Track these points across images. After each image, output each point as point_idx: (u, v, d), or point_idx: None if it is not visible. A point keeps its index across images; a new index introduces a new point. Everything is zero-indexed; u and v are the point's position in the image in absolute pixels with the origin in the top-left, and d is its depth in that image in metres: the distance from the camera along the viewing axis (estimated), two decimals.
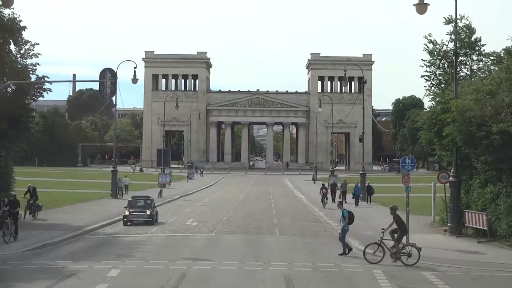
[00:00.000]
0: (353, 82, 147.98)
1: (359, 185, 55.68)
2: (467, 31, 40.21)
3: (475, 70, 40.84)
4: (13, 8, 35.77)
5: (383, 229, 25.19)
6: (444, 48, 40.62)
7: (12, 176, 40.09)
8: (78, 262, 24.40)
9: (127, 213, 38.32)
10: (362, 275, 22.39)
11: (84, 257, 25.78)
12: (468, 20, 40.26)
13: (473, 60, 40.81)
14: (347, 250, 26.75)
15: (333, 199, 55.15)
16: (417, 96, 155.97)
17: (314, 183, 72.60)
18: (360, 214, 44.53)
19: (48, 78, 40.80)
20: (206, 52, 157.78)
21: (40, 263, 24.04)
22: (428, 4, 27.81)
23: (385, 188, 71.46)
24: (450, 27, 37.37)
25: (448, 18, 38.37)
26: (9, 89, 37.48)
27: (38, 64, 39.24)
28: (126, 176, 67.04)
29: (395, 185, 68.57)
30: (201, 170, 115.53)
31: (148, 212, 38.46)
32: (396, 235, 24.89)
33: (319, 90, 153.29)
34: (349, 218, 27.34)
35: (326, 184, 57.07)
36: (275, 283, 20.70)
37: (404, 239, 25.53)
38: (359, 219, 40.91)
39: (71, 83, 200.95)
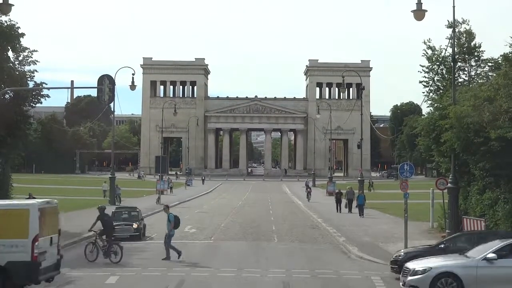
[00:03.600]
0: (351, 89, 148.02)
1: (361, 192, 52.25)
2: (466, 36, 40.07)
3: (473, 76, 40.78)
4: (9, 16, 35.94)
5: (93, 230, 27.19)
6: (443, 53, 40.55)
7: (10, 183, 40.00)
8: (76, 269, 24.33)
9: None
10: (360, 282, 22.38)
11: (81, 264, 25.70)
12: (469, 25, 40.13)
13: (471, 66, 40.73)
14: (171, 254, 26.96)
15: (338, 209, 52.57)
16: (415, 102, 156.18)
17: (306, 189, 73.21)
18: (360, 222, 44.61)
19: (46, 84, 40.78)
20: (204, 59, 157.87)
21: None
22: (426, 11, 27.88)
23: (383, 195, 71.52)
24: (450, 31, 37.00)
25: (451, 21, 37.99)
26: (7, 96, 37.47)
27: (36, 70, 39.27)
28: (106, 182, 67.91)
29: (393, 192, 68.57)
30: (203, 177, 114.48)
31: (134, 225, 34.13)
32: (104, 236, 26.82)
33: (317, 96, 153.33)
34: (174, 222, 27.90)
35: (310, 184, 79.15)
36: None
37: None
38: (358, 226, 41.05)
39: (69, 89, 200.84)
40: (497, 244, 19.26)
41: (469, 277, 18.54)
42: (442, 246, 22.90)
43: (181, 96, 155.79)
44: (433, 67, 42.75)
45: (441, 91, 41.40)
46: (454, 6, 32.21)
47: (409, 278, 19.27)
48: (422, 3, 28.39)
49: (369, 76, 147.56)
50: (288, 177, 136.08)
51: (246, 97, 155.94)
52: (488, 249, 19.02)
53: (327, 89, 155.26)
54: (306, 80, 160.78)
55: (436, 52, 42.19)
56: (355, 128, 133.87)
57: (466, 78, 41.09)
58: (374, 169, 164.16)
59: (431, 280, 18.71)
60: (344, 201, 53.34)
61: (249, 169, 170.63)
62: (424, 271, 19.01)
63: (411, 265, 19.72)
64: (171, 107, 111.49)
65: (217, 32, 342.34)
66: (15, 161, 43.03)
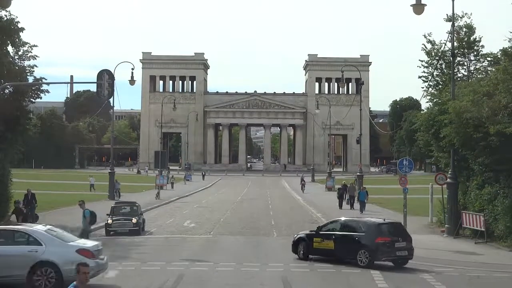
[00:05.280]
0: (350, 84, 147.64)
1: (363, 188, 49.70)
2: (466, 30, 39.97)
3: (472, 71, 40.76)
4: (9, 10, 35.88)
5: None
6: (443, 48, 40.46)
7: (9, 179, 39.92)
8: None
9: (109, 221, 34.63)
10: (359, 276, 22.41)
11: None
12: (470, 18, 40.03)
13: (470, 60, 40.69)
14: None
15: (340, 205, 51.04)
16: (414, 98, 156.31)
17: (301, 182, 74.17)
18: (360, 217, 44.61)
19: (46, 79, 40.70)
20: (203, 53, 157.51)
21: None
22: (425, 5, 27.85)
23: (383, 190, 71.54)
24: (450, 25, 36.84)
25: (450, 15, 37.89)
26: (6, 91, 37.42)
27: (35, 65, 39.11)
28: (92, 176, 71.60)
29: (392, 187, 68.65)
30: (203, 173, 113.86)
31: (134, 220, 34.56)
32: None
33: (317, 91, 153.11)
34: (90, 218, 28.17)
35: (305, 178, 79.23)
36: (272, 284, 20.69)
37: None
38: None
39: (69, 84, 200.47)
40: None
41: None
42: (317, 230, 26.23)
43: (180, 91, 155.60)
44: (433, 62, 42.69)
45: (440, 86, 41.38)
46: (453, 0, 32.23)
47: None
48: None
49: (369, 71, 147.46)
50: (288, 172, 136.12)
51: (246, 92, 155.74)
52: None
53: (326, 84, 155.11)
54: (305, 75, 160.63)
55: (435, 47, 42.11)
56: (354, 123, 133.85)
57: (466, 73, 41.10)
58: (373, 165, 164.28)
59: None
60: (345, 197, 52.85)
61: (249, 164, 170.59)
62: None
63: None
64: (171, 102, 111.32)
65: (217, 27, 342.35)
66: (15, 157, 42.86)
